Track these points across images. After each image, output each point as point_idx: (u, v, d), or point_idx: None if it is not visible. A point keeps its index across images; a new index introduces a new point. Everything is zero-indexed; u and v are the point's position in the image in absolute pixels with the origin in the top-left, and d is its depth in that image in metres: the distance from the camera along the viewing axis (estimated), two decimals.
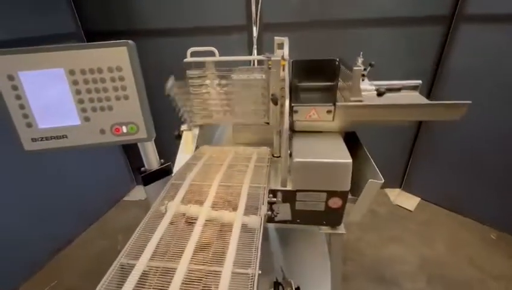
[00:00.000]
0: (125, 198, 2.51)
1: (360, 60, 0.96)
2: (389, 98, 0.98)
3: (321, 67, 0.97)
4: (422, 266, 1.73)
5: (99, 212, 2.29)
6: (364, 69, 0.97)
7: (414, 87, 1.03)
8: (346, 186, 0.83)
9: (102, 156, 2.27)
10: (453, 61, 1.82)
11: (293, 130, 0.95)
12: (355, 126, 0.98)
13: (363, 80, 0.98)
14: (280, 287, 1.05)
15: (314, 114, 0.88)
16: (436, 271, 1.69)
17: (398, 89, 1.02)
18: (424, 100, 0.96)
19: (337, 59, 0.91)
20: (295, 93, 0.95)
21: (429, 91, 1.97)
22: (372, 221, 2.09)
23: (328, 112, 0.87)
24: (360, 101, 0.88)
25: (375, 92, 0.98)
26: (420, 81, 1.02)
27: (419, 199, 2.28)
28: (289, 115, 0.83)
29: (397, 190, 2.40)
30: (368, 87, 0.98)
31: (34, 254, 1.80)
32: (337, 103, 0.86)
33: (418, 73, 1.91)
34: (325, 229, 0.95)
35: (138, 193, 2.55)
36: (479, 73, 1.75)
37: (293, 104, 0.87)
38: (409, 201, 2.27)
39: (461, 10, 1.71)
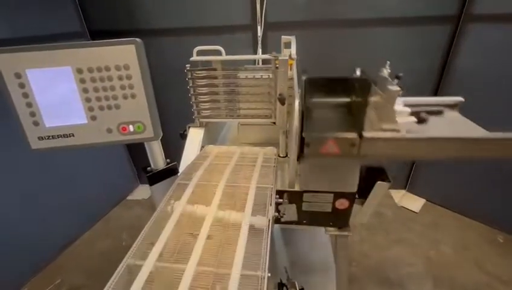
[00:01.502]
0: (129, 197, 2.51)
1: (386, 72, 0.76)
2: (433, 126, 0.75)
3: (341, 85, 0.84)
4: (428, 269, 1.71)
5: (102, 211, 2.30)
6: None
7: (453, 106, 0.83)
8: (354, 187, 0.82)
9: (106, 155, 2.27)
10: (461, 61, 1.79)
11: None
12: (382, 161, 0.84)
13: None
14: (284, 288, 1.03)
15: (332, 146, 0.68)
16: (442, 274, 1.67)
17: (439, 112, 0.81)
18: (478, 128, 0.74)
19: (363, 75, 0.76)
20: (307, 118, 0.76)
21: (435, 91, 1.95)
22: (376, 222, 2.07)
23: (352, 145, 0.66)
24: (396, 131, 0.67)
25: (409, 114, 0.76)
26: (462, 99, 0.84)
27: (425, 200, 2.26)
28: (298, 146, 0.70)
29: (402, 191, 2.38)
30: (399, 108, 0.75)
31: (39, 252, 1.80)
32: (364, 134, 0.65)
33: (425, 73, 1.89)
34: (331, 231, 0.94)
35: (142, 192, 2.56)
36: (486, 73, 1.72)
37: (303, 135, 0.68)
38: (414, 202, 2.25)
39: (469, 10, 1.69)
